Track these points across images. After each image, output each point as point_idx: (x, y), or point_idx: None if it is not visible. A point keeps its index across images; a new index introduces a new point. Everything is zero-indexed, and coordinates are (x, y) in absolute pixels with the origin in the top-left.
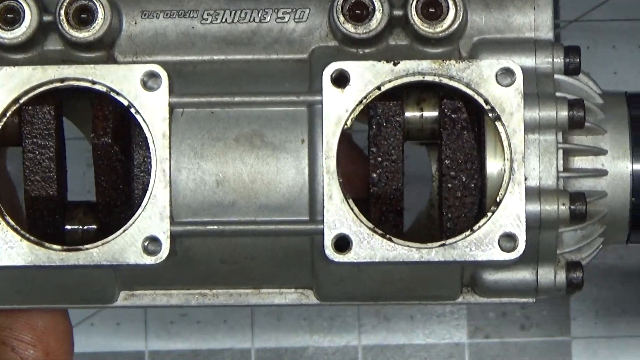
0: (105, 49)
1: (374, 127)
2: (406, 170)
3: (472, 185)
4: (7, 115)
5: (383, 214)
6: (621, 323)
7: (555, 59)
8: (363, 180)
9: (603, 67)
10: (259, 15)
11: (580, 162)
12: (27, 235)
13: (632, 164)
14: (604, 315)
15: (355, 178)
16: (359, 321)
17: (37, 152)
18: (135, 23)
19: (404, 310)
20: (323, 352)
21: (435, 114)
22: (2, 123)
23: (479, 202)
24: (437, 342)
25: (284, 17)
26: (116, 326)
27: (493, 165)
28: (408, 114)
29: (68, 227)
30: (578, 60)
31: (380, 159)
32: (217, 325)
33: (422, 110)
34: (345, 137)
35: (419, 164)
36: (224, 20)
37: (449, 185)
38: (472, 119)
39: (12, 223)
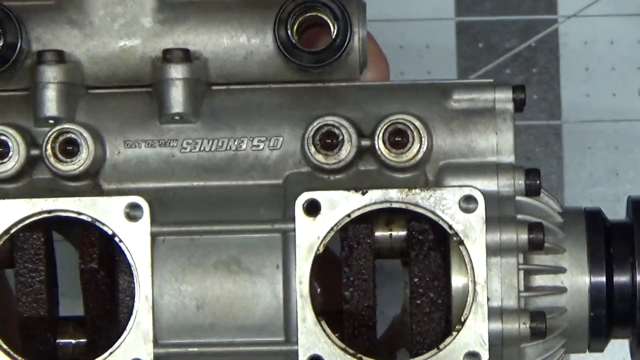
0: (90, 178)
1: (346, 248)
2: (380, 270)
3: (440, 302)
4: (0, 243)
5: (356, 328)
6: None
7: (516, 181)
8: (337, 298)
9: (601, 63)
10: (235, 143)
11: (540, 280)
12: (19, 358)
13: (590, 279)
14: None
15: (335, 287)
16: None
17: (28, 276)
18: (119, 152)
19: None
20: None
21: (403, 233)
22: None
23: (445, 316)
24: None
25: (259, 145)
26: None
27: (458, 282)
28: (378, 234)
29: (60, 341)
30: (538, 182)
31: (352, 278)
32: None
33: (391, 230)
34: (323, 252)
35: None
36: (202, 149)
37: (418, 301)
38: (439, 240)
39: (5, 347)
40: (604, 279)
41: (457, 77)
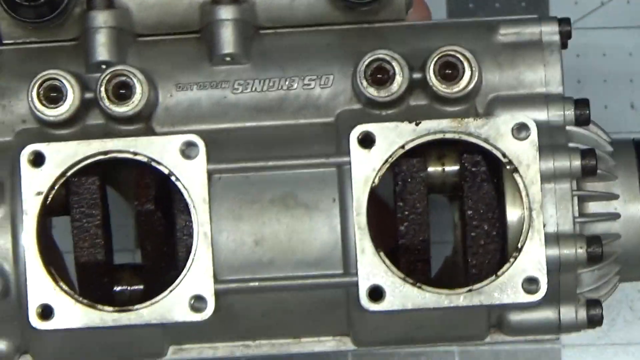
0: (143, 121)
1: (400, 183)
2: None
3: (495, 233)
4: (56, 187)
5: (412, 263)
6: (611, 331)
7: (566, 112)
8: (391, 232)
9: (593, 75)
10: (287, 83)
11: (594, 207)
12: (80, 299)
13: None
14: None
15: (384, 231)
16: None
17: (84, 221)
18: (171, 95)
19: None
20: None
21: (456, 168)
22: (51, 195)
23: (501, 248)
24: (426, 350)
25: (310, 84)
26: None
27: (513, 213)
28: (430, 169)
29: (116, 288)
30: (587, 112)
31: (406, 212)
32: None
33: (443, 165)
34: (374, 194)
35: (441, 214)
36: (253, 89)
37: (473, 234)
38: (491, 171)
39: (66, 288)
40: None
41: None
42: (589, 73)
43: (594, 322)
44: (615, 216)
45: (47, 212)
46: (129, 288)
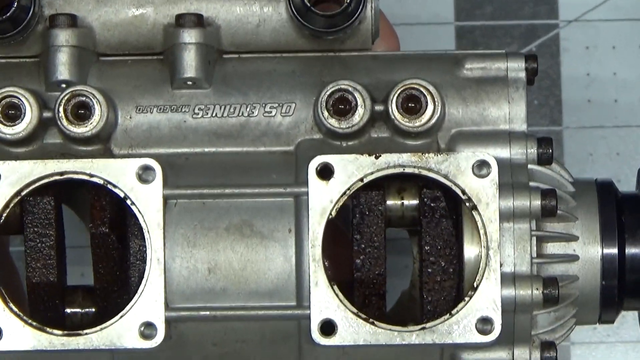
0: (102, 143)
1: (357, 215)
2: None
3: (451, 270)
4: (10, 206)
5: (366, 297)
6: (621, 328)
7: (528, 150)
8: (348, 264)
9: (602, 68)
10: (248, 109)
11: (552, 248)
12: (30, 321)
13: (602, 248)
14: None
15: (341, 260)
16: None
17: (37, 241)
18: (130, 117)
19: None
20: None
21: (415, 202)
22: (5, 214)
23: (457, 285)
24: None
25: (271, 112)
26: None
27: (470, 251)
28: (389, 202)
29: (68, 310)
30: (550, 150)
31: (363, 245)
32: None
33: (402, 199)
34: (331, 224)
35: (402, 243)
36: (214, 114)
37: (429, 270)
38: (451, 208)
39: (16, 309)
40: (616, 249)
41: None
42: (598, 66)
43: None
44: (573, 258)
45: (2, 231)
46: (81, 311)
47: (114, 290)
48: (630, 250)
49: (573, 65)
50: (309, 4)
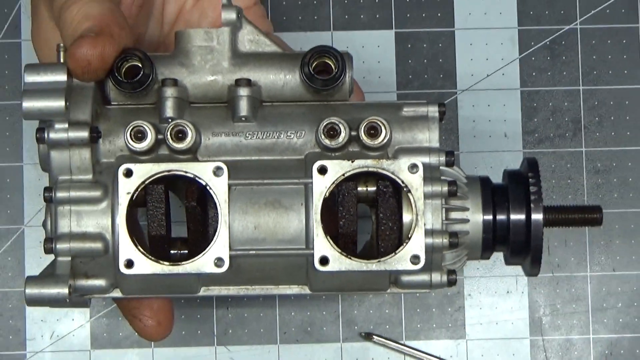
0: (192, 154)
1: (340, 196)
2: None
3: (395, 228)
4: (139, 190)
5: (346, 244)
6: (494, 267)
7: (440, 158)
8: (335, 225)
9: (483, 117)
10: (277, 134)
11: (454, 215)
12: (150, 257)
13: (483, 215)
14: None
15: (331, 224)
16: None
17: (154, 210)
18: (209, 139)
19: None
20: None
21: (374, 188)
22: (136, 194)
23: (399, 237)
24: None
25: (290, 136)
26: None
27: (406, 217)
28: (360, 188)
29: (172, 251)
30: (453, 158)
31: (344, 213)
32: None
33: (367, 186)
34: (325, 201)
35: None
36: (257, 137)
37: (382, 228)
38: (395, 191)
39: (142, 250)
40: (490, 216)
41: None
42: (482, 119)
43: (451, 283)
44: (466, 221)
45: (134, 205)
46: (179, 252)
47: (199, 240)
48: (499, 217)
49: (465, 116)
50: (313, 73)
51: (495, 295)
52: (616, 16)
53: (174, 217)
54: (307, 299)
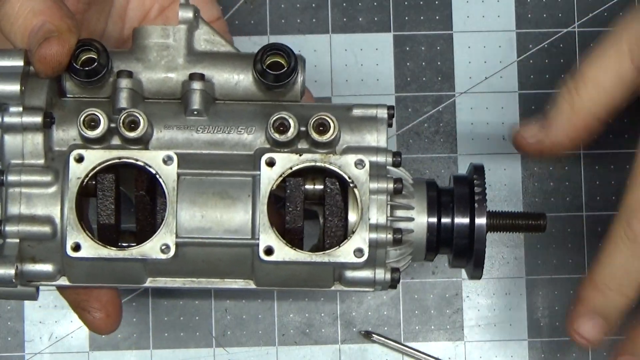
0: (143, 144)
1: (288, 191)
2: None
3: (341, 225)
4: (89, 175)
5: (292, 239)
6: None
7: (387, 158)
8: (282, 219)
9: (480, 119)
10: (228, 129)
11: (399, 212)
12: (97, 241)
13: (427, 217)
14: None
15: (279, 222)
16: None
17: (104, 199)
18: (161, 131)
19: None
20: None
21: (321, 186)
22: (86, 180)
23: (344, 232)
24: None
25: (241, 132)
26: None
27: (352, 214)
28: (307, 186)
29: (121, 243)
30: (400, 159)
31: (291, 209)
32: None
33: (314, 184)
34: (271, 194)
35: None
36: (208, 131)
37: (328, 224)
38: (342, 188)
39: (89, 234)
40: (435, 218)
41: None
42: (479, 120)
43: (394, 281)
44: (411, 219)
45: (84, 194)
46: (128, 244)
47: (147, 231)
48: (444, 219)
49: (463, 118)
50: (264, 67)
51: (494, 296)
52: (614, 19)
53: (123, 211)
54: (306, 300)
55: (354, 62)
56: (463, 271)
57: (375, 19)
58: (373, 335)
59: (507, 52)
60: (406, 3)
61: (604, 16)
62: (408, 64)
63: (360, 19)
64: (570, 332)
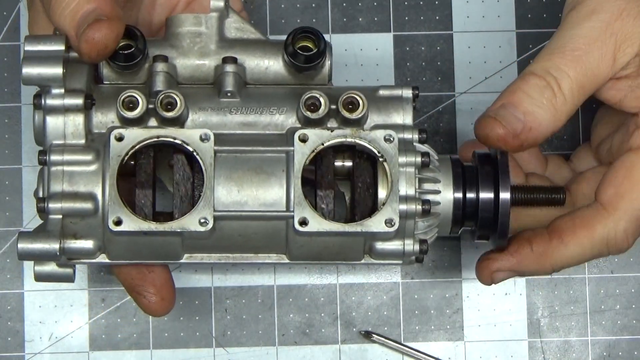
0: (180, 125)
1: (320, 167)
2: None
3: (370, 197)
4: (129, 154)
5: (326, 207)
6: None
7: (414, 135)
8: (314, 191)
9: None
10: (260, 110)
11: (427, 185)
12: (137, 215)
13: (453, 192)
14: None
15: (310, 188)
16: (337, 269)
17: (143, 179)
18: (196, 113)
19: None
20: (315, 288)
21: (349, 163)
22: (126, 158)
23: (374, 204)
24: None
25: (273, 112)
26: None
27: (381, 188)
28: (337, 163)
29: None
30: (425, 135)
31: (322, 179)
32: (253, 270)
33: (343, 160)
34: (305, 169)
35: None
36: (240, 112)
37: (357, 197)
38: (372, 161)
39: (130, 209)
40: (461, 193)
41: None
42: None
43: (422, 252)
44: (438, 192)
45: (122, 172)
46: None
47: (185, 207)
48: (469, 195)
49: (463, 118)
50: (295, 48)
51: (494, 297)
52: None
53: (158, 196)
54: (306, 300)
55: (354, 62)
56: (463, 271)
57: (375, 19)
58: (373, 335)
59: (507, 52)
60: (406, 3)
61: None
62: (408, 64)
63: (360, 19)
64: (483, 273)
